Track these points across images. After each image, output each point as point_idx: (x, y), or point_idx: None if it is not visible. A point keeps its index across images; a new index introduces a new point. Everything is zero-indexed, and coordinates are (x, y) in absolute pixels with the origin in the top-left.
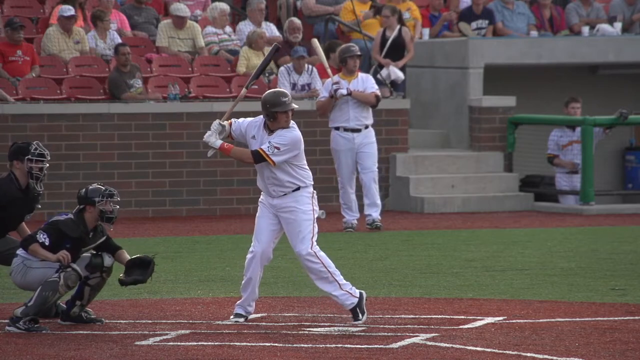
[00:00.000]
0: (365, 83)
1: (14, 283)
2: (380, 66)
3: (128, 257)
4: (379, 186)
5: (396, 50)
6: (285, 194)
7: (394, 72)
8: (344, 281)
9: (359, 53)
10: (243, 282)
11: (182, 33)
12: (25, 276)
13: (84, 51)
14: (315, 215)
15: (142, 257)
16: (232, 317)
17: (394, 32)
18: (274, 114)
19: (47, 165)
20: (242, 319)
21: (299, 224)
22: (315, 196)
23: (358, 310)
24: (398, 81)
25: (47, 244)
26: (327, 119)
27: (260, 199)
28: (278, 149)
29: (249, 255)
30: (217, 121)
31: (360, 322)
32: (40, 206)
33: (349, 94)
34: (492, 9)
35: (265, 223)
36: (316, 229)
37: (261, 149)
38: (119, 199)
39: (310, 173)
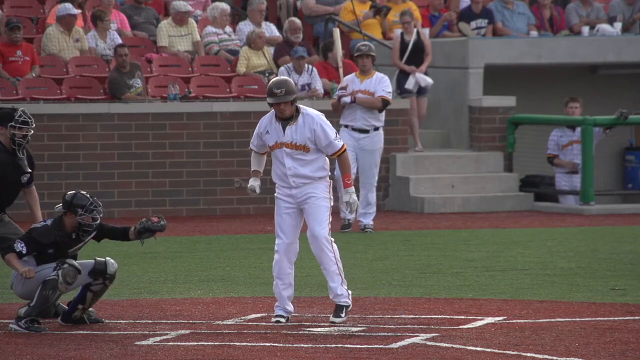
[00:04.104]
0: (377, 85)
1: (16, 294)
2: (402, 73)
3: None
4: (379, 186)
5: (416, 54)
6: (305, 184)
7: (423, 79)
8: (346, 284)
9: (370, 53)
10: (273, 284)
11: (183, 30)
12: (25, 285)
13: (83, 49)
14: (331, 204)
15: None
16: (273, 318)
17: (413, 36)
18: (269, 104)
19: (32, 132)
20: (283, 320)
21: (317, 208)
22: (331, 187)
23: (345, 310)
24: (428, 87)
25: (24, 252)
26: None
27: (276, 194)
28: (337, 134)
29: (275, 256)
30: (250, 186)
31: (339, 321)
32: (30, 170)
33: (353, 101)
34: (491, 9)
35: (286, 218)
36: (330, 219)
37: (337, 150)
38: (101, 215)
39: (328, 161)
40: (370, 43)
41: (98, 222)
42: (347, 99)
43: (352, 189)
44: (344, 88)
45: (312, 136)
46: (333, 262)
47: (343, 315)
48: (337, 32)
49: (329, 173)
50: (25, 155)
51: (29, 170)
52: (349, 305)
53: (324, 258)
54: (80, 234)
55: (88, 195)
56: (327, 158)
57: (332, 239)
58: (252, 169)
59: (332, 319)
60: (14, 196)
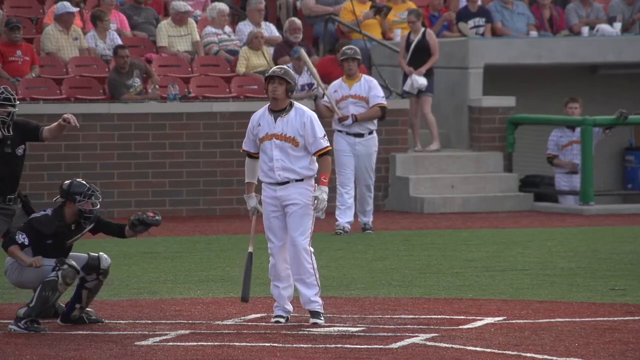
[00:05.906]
0: (369, 90)
1: (9, 281)
2: (406, 74)
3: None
4: (379, 186)
5: (421, 54)
6: (289, 182)
7: (416, 80)
8: (320, 292)
9: (355, 56)
10: (270, 286)
11: (183, 30)
12: (21, 274)
13: (82, 48)
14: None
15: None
16: (272, 318)
17: (418, 36)
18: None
19: (16, 110)
20: (283, 320)
21: (301, 217)
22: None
23: (321, 314)
24: (422, 88)
25: (26, 243)
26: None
27: (262, 197)
28: (326, 136)
29: (270, 260)
30: (251, 209)
31: (321, 322)
32: (24, 146)
33: (355, 121)
34: (488, 8)
35: (274, 221)
36: (313, 227)
37: (321, 148)
38: (100, 199)
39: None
40: (355, 47)
41: (97, 207)
42: (349, 121)
43: (326, 188)
44: (324, 101)
45: (302, 130)
46: (311, 274)
47: (322, 317)
48: (304, 53)
49: (315, 175)
50: (13, 132)
51: (23, 146)
52: (323, 312)
53: (301, 269)
54: (82, 222)
55: (84, 182)
56: (315, 160)
57: (312, 249)
58: (246, 181)
59: (313, 320)
60: (16, 170)
